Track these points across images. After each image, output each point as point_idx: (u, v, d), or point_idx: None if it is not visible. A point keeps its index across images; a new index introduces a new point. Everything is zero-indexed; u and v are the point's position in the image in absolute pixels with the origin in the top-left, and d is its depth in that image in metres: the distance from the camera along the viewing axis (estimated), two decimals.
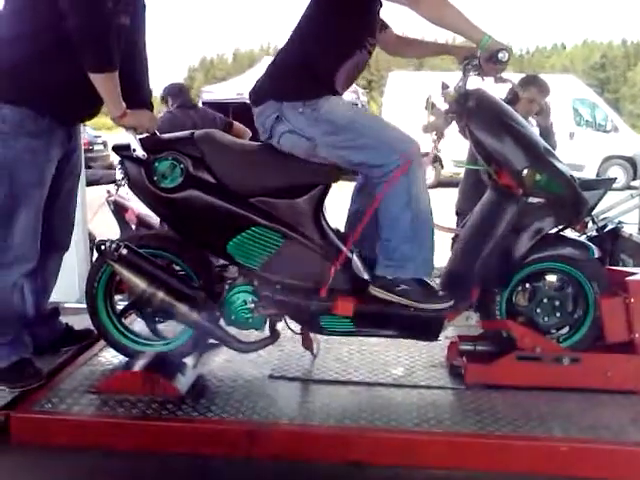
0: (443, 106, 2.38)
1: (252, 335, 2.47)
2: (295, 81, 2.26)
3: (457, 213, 3.75)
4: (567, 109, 13.83)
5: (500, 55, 2.15)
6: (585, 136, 13.64)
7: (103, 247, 2.31)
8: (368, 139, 2.22)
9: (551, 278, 2.44)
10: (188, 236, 2.39)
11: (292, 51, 2.32)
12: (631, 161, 13.88)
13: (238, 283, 2.37)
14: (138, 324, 2.58)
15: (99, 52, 2.15)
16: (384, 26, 2.47)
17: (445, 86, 2.35)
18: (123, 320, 2.53)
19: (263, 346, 2.39)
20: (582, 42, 54.74)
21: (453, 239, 2.58)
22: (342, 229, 2.49)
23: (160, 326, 2.53)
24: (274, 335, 2.40)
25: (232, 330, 2.41)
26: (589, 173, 12.63)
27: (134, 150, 2.26)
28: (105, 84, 2.18)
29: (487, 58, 2.19)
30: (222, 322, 2.40)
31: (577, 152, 12.13)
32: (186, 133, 2.36)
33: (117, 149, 2.35)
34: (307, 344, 2.55)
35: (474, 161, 2.95)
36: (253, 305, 2.33)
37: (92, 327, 2.71)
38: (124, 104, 2.25)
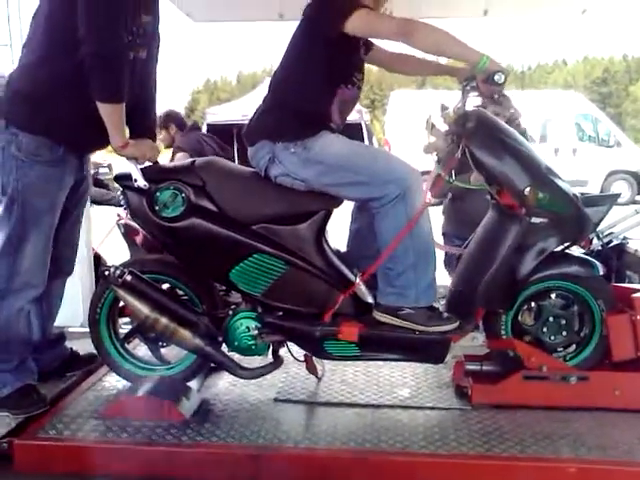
0: (443, 127, 2.39)
1: (255, 361, 2.46)
2: (287, 121, 2.26)
3: (443, 234, 3.76)
4: (570, 125, 13.88)
5: (496, 77, 2.15)
6: (588, 151, 13.66)
7: (107, 272, 2.31)
8: (362, 176, 2.22)
9: (556, 296, 2.43)
10: (191, 264, 2.39)
11: (281, 91, 2.32)
12: (635, 176, 13.87)
13: (241, 309, 2.37)
14: (141, 349, 2.57)
15: (109, 82, 2.17)
16: (369, 47, 2.46)
17: (444, 107, 2.37)
18: (126, 345, 2.53)
19: (266, 372, 2.38)
20: (583, 58, 55.02)
21: (457, 259, 2.57)
22: (344, 247, 2.50)
23: (163, 350, 2.52)
24: (277, 361, 2.39)
25: (235, 356, 2.40)
26: (593, 188, 12.62)
27: (135, 180, 2.28)
28: (110, 114, 2.21)
29: (484, 80, 2.20)
30: (225, 348, 2.39)
31: (580, 168, 12.15)
32: (187, 162, 2.37)
33: (119, 179, 2.36)
34: (311, 369, 2.54)
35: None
36: (256, 332, 2.32)
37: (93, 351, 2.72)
38: (127, 135, 2.28)
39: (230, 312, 2.36)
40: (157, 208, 2.28)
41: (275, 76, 2.37)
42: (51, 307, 2.58)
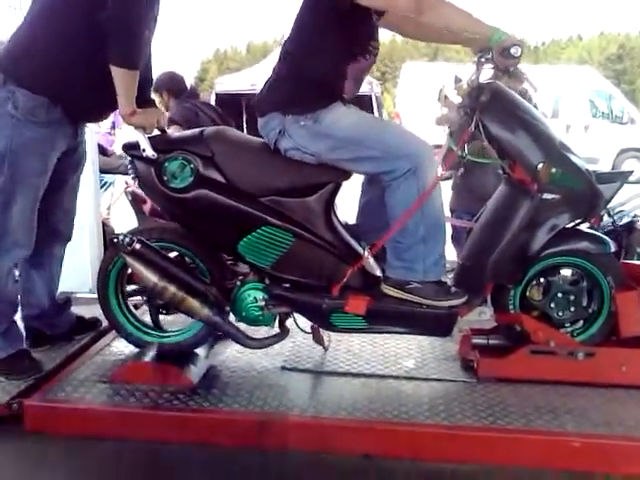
0: (456, 99, 2.35)
1: (261, 331, 2.47)
2: (298, 93, 2.22)
3: (451, 210, 3.73)
4: (584, 101, 13.70)
5: (513, 50, 2.11)
6: (601, 128, 13.50)
7: (116, 240, 2.31)
8: (373, 150, 2.19)
9: (566, 272, 2.42)
10: (199, 236, 2.38)
11: (292, 62, 2.26)
12: None
13: (249, 280, 2.36)
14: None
15: (129, 47, 2.16)
16: (380, 11, 2.37)
17: (458, 79, 2.33)
18: (133, 311, 2.54)
19: (272, 343, 2.39)
20: (599, 33, 54.12)
21: (467, 233, 2.55)
22: (353, 220, 2.49)
23: (169, 318, 2.54)
24: (283, 332, 2.40)
25: (242, 326, 2.40)
26: (604, 166, 12.50)
27: (144, 150, 2.26)
28: (124, 79, 2.19)
29: (500, 52, 2.15)
30: (232, 318, 2.40)
31: (592, 145, 12.01)
32: (196, 132, 2.34)
33: (127, 148, 2.34)
34: (318, 339, 2.54)
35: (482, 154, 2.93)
36: (264, 302, 2.32)
37: (100, 317, 2.73)
38: (135, 103, 2.26)
39: (238, 283, 2.36)
40: (165, 178, 2.26)
41: (285, 46, 2.31)
42: (53, 272, 2.60)
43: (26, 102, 2.19)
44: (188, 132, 2.35)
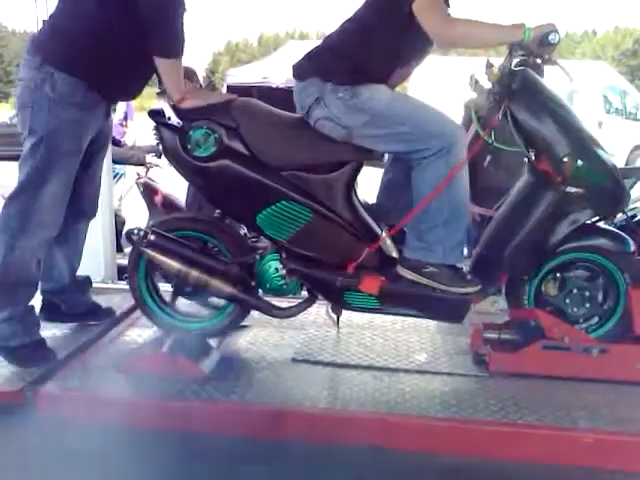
0: (487, 84, 2.33)
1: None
2: (344, 65, 2.22)
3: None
4: (597, 96, 13.57)
5: (550, 37, 2.11)
6: (614, 124, 13.38)
7: (132, 235, 2.33)
8: (407, 127, 2.19)
9: (582, 268, 2.40)
10: (219, 206, 2.40)
11: (354, 38, 2.25)
12: None
13: (268, 252, 2.37)
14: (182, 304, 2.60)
15: (169, 37, 2.18)
16: None
17: (489, 65, 2.29)
18: (165, 298, 2.55)
19: (301, 310, 2.41)
20: (613, 28, 53.60)
21: (486, 222, 2.54)
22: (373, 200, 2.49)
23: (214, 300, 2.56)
24: (311, 298, 2.41)
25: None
26: (618, 162, 12.36)
27: (169, 118, 2.27)
28: (169, 69, 2.22)
29: (538, 44, 2.14)
30: (259, 292, 2.42)
31: (606, 140, 11.91)
32: (223, 101, 2.32)
33: (152, 114, 2.33)
34: (335, 309, 2.50)
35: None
36: (285, 271, 2.33)
37: (113, 306, 2.79)
38: (184, 88, 2.28)
39: (258, 257, 2.37)
40: (189, 147, 2.26)
41: (344, 26, 2.30)
42: (77, 248, 2.64)
43: (63, 84, 2.21)
44: (214, 102, 2.32)
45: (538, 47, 2.16)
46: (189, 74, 4.32)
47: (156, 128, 2.33)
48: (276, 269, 2.34)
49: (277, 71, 13.28)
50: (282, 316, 2.43)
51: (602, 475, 1.96)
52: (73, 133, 2.26)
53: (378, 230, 2.32)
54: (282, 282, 2.34)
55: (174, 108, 2.27)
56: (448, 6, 2.24)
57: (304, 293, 2.47)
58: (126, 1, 2.13)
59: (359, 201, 2.34)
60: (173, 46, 2.20)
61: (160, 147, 2.38)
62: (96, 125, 2.36)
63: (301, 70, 2.30)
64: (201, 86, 4.48)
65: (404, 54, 2.26)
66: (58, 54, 2.22)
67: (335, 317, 2.53)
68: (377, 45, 2.21)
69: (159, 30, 2.15)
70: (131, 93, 2.47)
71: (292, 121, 2.33)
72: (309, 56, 2.32)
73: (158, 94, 2.33)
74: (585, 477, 1.97)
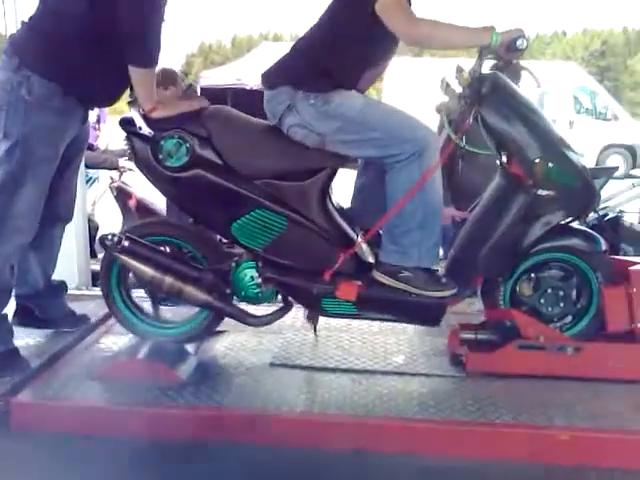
0: (458, 87, 2.35)
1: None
2: (313, 73, 2.22)
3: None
4: (567, 97, 13.79)
5: (519, 43, 2.13)
6: (585, 124, 13.61)
7: (106, 241, 2.30)
8: (379, 133, 2.20)
9: (556, 268, 2.43)
10: (192, 216, 2.38)
11: (314, 47, 2.26)
12: (631, 150, 13.87)
13: (244, 260, 2.36)
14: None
15: (146, 48, 2.17)
16: None
17: (460, 69, 2.31)
18: (138, 304, 2.53)
19: (277, 318, 2.40)
20: (582, 30, 54.46)
21: (459, 225, 2.56)
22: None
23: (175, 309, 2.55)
24: (286, 306, 2.41)
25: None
26: (588, 162, 12.57)
27: (140, 127, 2.25)
28: (142, 78, 2.20)
29: (505, 48, 2.16)
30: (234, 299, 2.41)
31: (576, 140, 12.09)
32: (194, 110, 2.31)
33: (123, 124, 2.31)
34: (312, 318, 2.53)
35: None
36: (260, 280, 2.32)
37: (88, 313, 2.76)
38: (156, 97, 2.26)
39: (233, 264, 2.36)
40: (161, 157, 2.25)
41: (312, 31, 2.30)
42: (52, 253, 2.60)
43: (40, 88, 2.18)
44: (186, 111, 2.31)
45: (506, 52, 2.19)
46: (171, 76, 4.29)
47: (127, 138, 2.31)
48: (252, 277, 2.33)
49: (251, 73, 13.25)
50: (257, 324, 2.41)
51: (580, 472, 1.98)
52: (49, 138, 2.24)
53: (353, 235, 2.33)
54: (258, 290, 2.33)
55: (145, 118, 2.25)
56: (410, 5, 2.24)
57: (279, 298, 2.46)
58: (107, 7, 2.11)
59: (334, 206, 2.35)
60: (148, 56, 2.19)
61: (132, 156, 2.36)
62: (73, 130, 2.34)
63: (270, 78, 2.30)
64: (188, 86, 4.45)
65: (371, 55, 2.27)
66: (36, 57, 2.19)
67: (314, 325, 2.54)
68: (343, 49, 2.21)
69: (135, 39, 2.14)
70: (109, 99, 2.44)
71: (264, 129, 2.33)
72: (278, 64, 2.32)
73: (129, 103, 2.31)
74: (564, 475, 1.99)
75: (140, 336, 2.49)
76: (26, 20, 2.29)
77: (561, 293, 2.41)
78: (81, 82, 2.22)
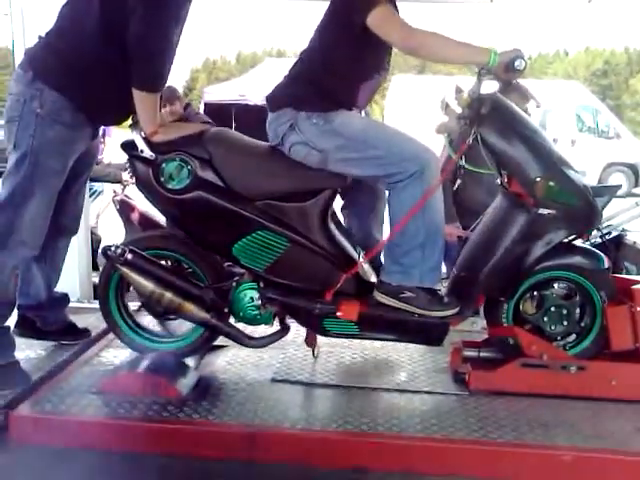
0: (457, 108, 2.36)
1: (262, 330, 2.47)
2: (313, 95, 2.24)
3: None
4: (570, 115, 13.85)
5: (517, 64, 2.14)
6: (587, 142, 13.65)
7: (109, 252, 2.30)
8: (380, 151, 2.21)
9: (559, 286, 2.42)
10: (194, 237, 2.38)
11: (311, 67, 2.29)
12: (633, 168, 13.89)
13: (244, 280, 2.36)
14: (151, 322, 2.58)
15: (151, 72, 2.19)
16: None
17: (459, 90, 2.33)
18: (136, 318, 2.53)
19: (273, 341, 2.39)
20: (584, 49, 54.76)
21: (462, 244, 2.56)
22: None
23: (175, 323, 2.53)
24: (284, 329, 2.39)
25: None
26: (590, 180, 12.63)
27: (141, 150, 2.25)
28: (145, 102, 2.22)
29: (504, 69, 2.18)
30: (231, 319, 2.40)
31: (579, 158, 12.14)
32: (195, 133, 2.33)
33: (125, 147, 2.33)
34: (310, 341, 2.53)
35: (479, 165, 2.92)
36: (260, 302, 2.32)
37: (89, 326, 2.75)
38: (158, 121, 2.27)
39: (234, 284, 2.36)
40: (162, 179, 2.25)
41: (306, 51, 2.33)
42: (56, 265, 2.61)
43: (53, 102, 2.21)
44: (187, 134, 2.33)
45: (504, 72, 2.20)
46: (172, 94, 4.32)
47: (129, 160, 2.32)
48: (251, 298, 2.33)
49: (254, 89, 13.34)
50: (253, 346, 2.40)
51: None
52: (58, 151, 2.26)
53: (355, 255, 2.33)
54: (256, 312, 2.33)
55: (146, 140, 2.26)
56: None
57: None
58: (121, 30, 2.14)
59: (336, 225, 2.35)
60: (152, 81, 2.21)
61: (134, 179, 2.36)
62: (82, 145, 2.36)
63: (273, 101, 2.33)
64: (186, 105, 4.48)
65: (363, 69, 2.28)
66: (50, 71, 2.22)
67: (313, 348, 2.53)
68: (337, 66, 2.24)
69: (141, 63, 2.16)
70: (118, 118, 2.46)
71: (265, 150, 2.34)
72: (279, 88, 2.34)
73: (131, 126, 2.32)
74: None
75: (136, 349, 2.48)
76: (43, 35, 2.32)
77: (564, 311, 2.39)
78: (92, 99, 2.25)
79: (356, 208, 2.53)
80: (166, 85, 4.21)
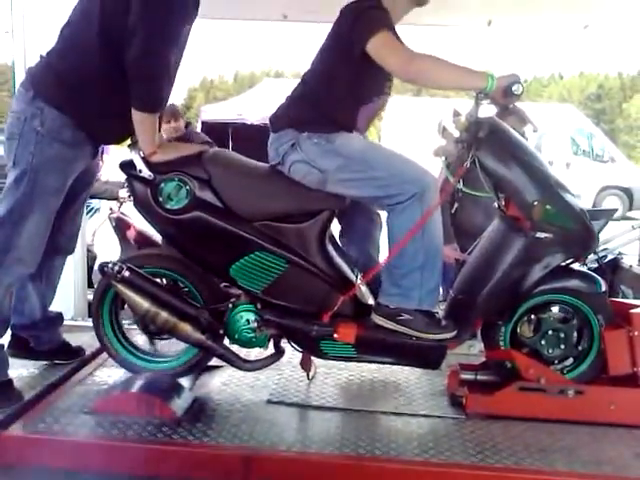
0: (455, 131, 2.38)
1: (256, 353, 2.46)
2: (316, 115, 2.26)
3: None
4: (565, 138, 13.97)
5: (514, 88, 2.16)
6: (582, 166, 13.75)
7: (106, 269, 2.29)
8: (380, 172, 2.21)
9: (556, 310, 2.41)
10: (191, 257, 2.37)
11: (312, 91, 2.31)
12: (627, 192, 13.99)
13: (241, 302, 2.35)
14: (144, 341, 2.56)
15: (151, 94, 2.20)
16: None
17: (456, 113, 2.35)
18: (129, 337, 2.51)
19: (267, 364, 2.37)
20: (579, 73, 55.38)
21: (459, 267, 2.56)
22: None
23: (163, 343, 2.52)
24: (278, 353, 2.38)
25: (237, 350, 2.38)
26: (585, 203, 12.66)
27: (140, 170, 2.25)
28: (144, 123, 2.22)
29: (502, 94, 2.20)
30: (226, 341, 2.38)
31: (573, 182, 12.22)
32: (194, 153, 2.33)
33: (123, 167, 2.33)
34: (305, 365, 2.51)
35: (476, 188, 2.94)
36: (256, 324, 2.30)
37: (83, 345, 2.72)
38: (157, 141, 2.28)
39: (230, 305, 2.34)
40: (161, 199, 2.25)
41: (308, 73, 2.35)
42: (51, 284, 2.59)
43: (53, 120, 2.22)
44: (186, 154, 2.33)
45: (502, 97, 2.21)
46: (174, 112, 4.35)
47: (128, 180, 2.32)
48: (247, 320, 2.31)
49: (252, 108, 13.41)
50: (247, 369, 2.37)
51: None
52: (58, 169, 2.25)
53: (353, 277, 2.32)
54: (251, 335, 2.31)
55: (145, 160, 2.26)
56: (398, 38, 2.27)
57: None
58: (122, 50, 2.15)
59: (334, 246, 2.35)
60: (151, 102, 2.22)
61: (132, 199, 2.37)
62: (82, 163, 2.36)
63: (276, 122, 2.34)
64: (187, 124, 4.51)
65: (365, 92, 2.30)
66: (51, 89, 2.23)
67: (307, 372, 2.52)
68: (337, 89, 2.25)
69: (140, 85, 2.17)
70: (118, 137, 2.46)
71: (264, 171, 2.35)
72: (281, 109, 2.36)
73: (129, 145, 2.33)
74: None
75: (129, 370, 2.46)
76: (44, 55, 2.33)
77: (562, 335, 2.38)
78: (93, 118, 2.25)
79: (353, 233, 2.53)
80: (168, 104, 4.24)
